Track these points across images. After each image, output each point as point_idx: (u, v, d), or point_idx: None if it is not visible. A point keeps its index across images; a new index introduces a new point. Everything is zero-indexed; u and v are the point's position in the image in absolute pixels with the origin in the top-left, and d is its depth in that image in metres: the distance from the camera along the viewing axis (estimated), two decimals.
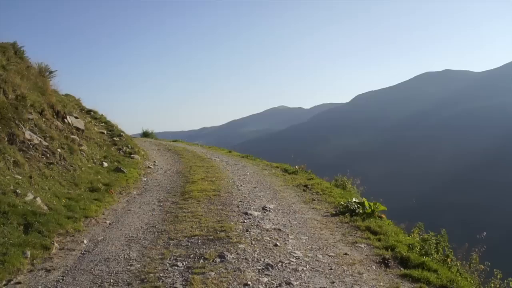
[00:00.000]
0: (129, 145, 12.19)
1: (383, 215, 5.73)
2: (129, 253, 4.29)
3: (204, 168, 10.19)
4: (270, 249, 4.25)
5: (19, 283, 3.53)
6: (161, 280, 3.52)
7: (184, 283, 3.45)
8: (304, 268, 3.74)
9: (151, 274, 3.65)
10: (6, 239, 4.14)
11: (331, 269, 3.75)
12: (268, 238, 4.59)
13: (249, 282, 3.42)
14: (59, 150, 7.57)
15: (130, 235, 4.96)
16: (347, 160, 79.24)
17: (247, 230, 4.86)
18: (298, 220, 5.43)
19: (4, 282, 3.49)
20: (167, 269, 3.77)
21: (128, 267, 3.88)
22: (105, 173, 8.47)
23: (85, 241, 4.71)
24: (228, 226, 5.04)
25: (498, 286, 4.26)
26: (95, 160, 9.02)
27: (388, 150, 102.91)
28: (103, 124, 14.14)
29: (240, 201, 6.41)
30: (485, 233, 5.37)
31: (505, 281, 4.28)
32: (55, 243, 4.46)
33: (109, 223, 5.53)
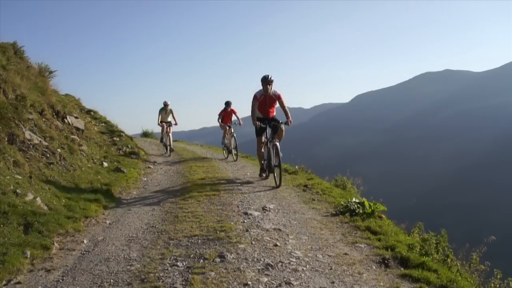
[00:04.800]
0: (129, 145, 12.20)
1: (383, 215, 5.73)
2: (129, 253, 4.29)
3: (204, 168, 10.19)
4: (270, 249, 4.25)
5: (19, 283, 3.53)
6: (161, 280, 3.52)
7: (184, 283, 3.45)
8: (304, 268, 3.74)
9: (151, 274, 3.65)
10: (6, 239, 4.15)
11: (331, 269, 3.75)
12: (268, 238, 4.59)
13: (249, 282, 3.42)
14: (59, 150, 7.57)
15: (130, 235, 4.97)
16: (347, 160, 79.26)
17: (247, 230, 4.86)
18: (298, 220, 5.43)
19: (4, 282, 3.49)
20: (167, 269, 3.77)
21: (128, 267, 3.88)
22: (105, 173, 8.48)
23: (85, 241, 4.71)
24: (228, 226, 5.04)
25: (498, 286, 4.26)
26: (95, 160, 9.02)
27: (388, 150, 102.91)
28: (103, 124, 14.16)
29: (240, 201, 6.40)
30: (493, 237, 5.32)
31: (505, 281, 4.29)
32: (55, 243, 4.46)
33: (109, 223, 5.53)
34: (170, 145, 13.26)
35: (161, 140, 13.91)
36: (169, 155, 12.94)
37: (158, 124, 13.37)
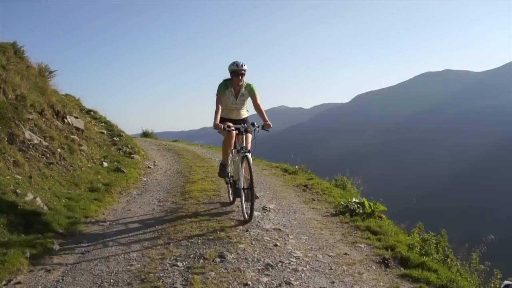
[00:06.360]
0: (129, 145, 12.19)
1: (383, 215, 5.74)
2: (129, 253, 4.29)
3: (204, 168, 10.19)
4: (270, 249, 4.25)
5: (19, 283, 3.53)
6: (161, 280, 3.52)
7: (184, 283, 3.45)
8: (304, 268, 3.74)
9: (151, 274, 3.66)
10: (6, 239, 4.15)
11: (331, 269, 3.75)
12: (268, 238, 4.59)
13: (249, 282, 3.42)
14: (59, 150, 7.57)
15: (130, 235, 4.96)
16: (347, 160, 79.30)
17: (247, 230, 4.86)
18: (298, 220, 5.43)
19: (4, 282, 3.49)
20: (167, 269, 3.77)
21: (128, 267, 3.88)
22: (105, 173, 8.47)
23: (85, 241, 4.71)
24: (228, 226, 5.04)
25: (498, 286, 4.26)
26: (95, 160, 9.03)
27: (388, 150, 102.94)
28: (103, 124, 14.15)
29: (239, 202, 6.40)
30: (492, 236, 5.35)
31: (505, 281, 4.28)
32: (55, 243, 4.46)
33: (109, 223, 5.53)
34: (249, 187, 5.07)
35: (221, 171, 5.97)
36: (248, 218, 5.11)
37: (215, 127, 5.23)
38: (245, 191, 5.25)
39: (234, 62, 5.38)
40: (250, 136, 5.48)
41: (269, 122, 5.37)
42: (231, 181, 5.98)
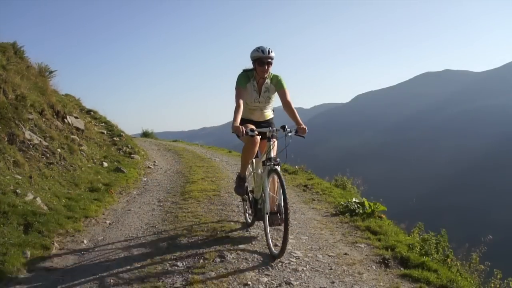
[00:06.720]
0: (129, 145, 12.20)
1: (383, 215, 5.74)
2: (129, 253, 4.29)
3: (204, 168, 10.20)
4: None
5: (19, 283, 3.53)
6: (161, 280, 3.52)
7: (184, 283, 3.45)
8: (304, 268, 3.74)
9: (151, 274, 3.65)
10: (6, 239, 4.15)
11: (331, 269, 3.75)
12: None
13: (249, 282, 3.42)
14: (59, 150, 7.57)
15: (130, 235, 4.97)
16: (347, 160, 79.29)
17: (247, 230, 4.86)
18: (298, 220, 5.43)
19: (4, 282, 3.49)
20: (167, 269, 3.77)
21: (128, 267, 3.88)
22: (105, 173, 8.48)
23: (85, 241, 4.71)
24: (228, 226, 5.05)
25: (498, 286, 4.26)
26: (95, 160, 9.03)
27: (388, 150, 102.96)
28: (103, 124, 14.16)
29: (240, 201, 6.40)
30: (491, 236, 5.36)
31: (505, 281, 4.29)
32: (55, 243, 4.46)
33: (109, 223, 5.53)
34: (278, 210, 4.01)
35: (238, 187, 4.67)
36: (279, 253, 3.82)
37: (234, 130, 3.87)
38: (272, 216, 4.02)
39: (258, 48, 4.16)
40: (276, 143, 4.25)
41: (304, 126, 4.07)
42: (250, 198, 4.80)
